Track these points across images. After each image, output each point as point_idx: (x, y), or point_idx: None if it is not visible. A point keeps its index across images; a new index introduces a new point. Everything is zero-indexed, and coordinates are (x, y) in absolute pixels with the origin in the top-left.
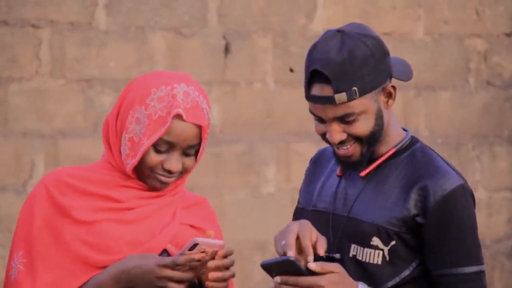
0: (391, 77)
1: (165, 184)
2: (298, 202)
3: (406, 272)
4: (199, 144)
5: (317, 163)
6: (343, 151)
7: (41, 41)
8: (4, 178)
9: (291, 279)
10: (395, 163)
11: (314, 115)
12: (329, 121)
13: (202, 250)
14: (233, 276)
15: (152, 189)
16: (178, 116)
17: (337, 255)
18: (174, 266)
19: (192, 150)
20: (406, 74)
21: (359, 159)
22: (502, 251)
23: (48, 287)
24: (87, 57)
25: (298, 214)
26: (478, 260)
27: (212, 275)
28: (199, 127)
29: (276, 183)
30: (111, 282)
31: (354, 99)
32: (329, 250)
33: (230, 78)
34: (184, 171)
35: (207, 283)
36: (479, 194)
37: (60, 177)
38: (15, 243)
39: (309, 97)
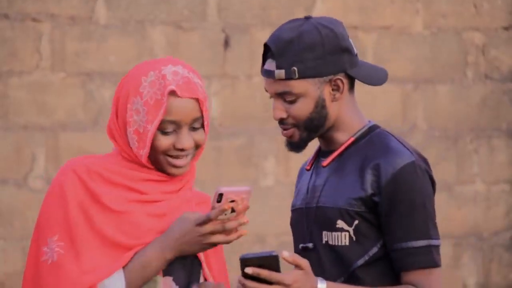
0: (345, 72)
1: (181, 167)
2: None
3: (374, 250)
4: (202, 117)
5: (300, 174)
6: (284, 132)
7: (42, 35)
8: (5, 171)
9: (265, 272)
10: (354, 150)
11: (266, 90)
12: (273, 97)
13: (231, 200)
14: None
15: (172, 178)
16: (173, 94)
17: (310, 245)
18: (209, 221)
19: (198, 123)
20: (373, 79)
21: (298, 142)
22: (500, 244)
23: (95, 268)
24: (87, 51)
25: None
26: (428, 235)
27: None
28: (196, 100)
29: (275, 176)
30: (158, 255)
31: (292, 78)
32: (304, 241)
33: (229, 72)
34: (197, 146)
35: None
36: (477, 187)
37: (88, 164)
38: (47, 228)
39: (261, 70)
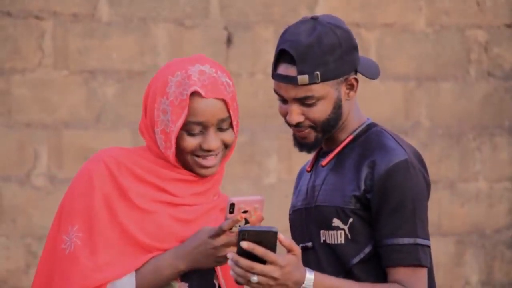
0: (356, 70)
1: (210, 168)
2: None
3: (369, 248)
4: (230, 117)
5: (299, 175)
6: (299, 133)
7: (44, 32)
8: (8, 168)
9: (260, 249)
10: (352, 148)
11: (278, 94)
12: (290, 102)
13: (243, 210)
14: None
15: (201, 178)
16: (197, 94)
17: (309, 244)
18: (222, 233)
19: (225, 124)
20: (373, 73)
21: (313, 143)
22: (502, 241)
23: (109, 266)
24: (90, 48)
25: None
26: (415, 233)
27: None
28: (223, 101)
29: (278, 174)
30: (171, 264)
31: (316, 83)
32: (303, 241)
33: (232, 69)
34: (227, 146)
35: None
36: (480, 185)
37: (118, 157)
38: (69, 216)
39: (274, 75)
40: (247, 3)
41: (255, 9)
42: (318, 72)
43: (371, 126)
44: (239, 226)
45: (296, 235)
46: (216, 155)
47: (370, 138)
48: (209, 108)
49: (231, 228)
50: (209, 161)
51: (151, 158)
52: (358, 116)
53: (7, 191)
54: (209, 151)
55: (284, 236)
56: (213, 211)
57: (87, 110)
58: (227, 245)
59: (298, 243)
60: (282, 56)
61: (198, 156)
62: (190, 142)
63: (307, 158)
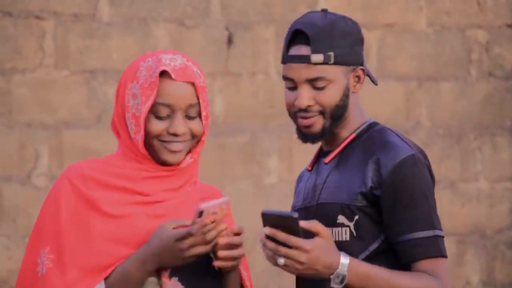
0: (362, 65)
1: (175, 153)
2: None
3: (375, 245)
4: (199, 104)
5: (299, 178)
6: (305, 120)
7: (45, 32)
8: (9, 169)
9: (282, 235)
10: (354, 146)
11: (287, 79)
12: (300, 84)
13: (212, 212)
14: (242, 254)
15: (174, 173)
16: (167, 76)
17: None
18: (190, 236)
19: (193, 111)
20: (374, 78)
21: (319, 132)
22: (503, 241)
23: (76, 281)
24: (90, 48)
25: None
26: (432, 225)
27: (222, 253)
28: (193, 85)
29: (279, 174)
30: (137, 267)
31: (329, 63)
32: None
33: (232, 69)
34: (194, 136)
35: (215, 262)
36: (481, 185)
37: (83, 171)
38: (40, 239)
39: (286, 58)
40: (247, 3)
41: (256, 9)
42: (331, 53)
43: (373, 125)
44: (207, 229)
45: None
46: (183, 142)
47: (373, 136)
48: (178, 91)
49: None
50: (175, 146)
51: (120, 163)
52: (360, 115)
53: (8, 191)
54: (175, 135)
55: (307, 221)
56: (190, 201)
57: (87, 110)
58: (194, 246)
59: None
60: (295, 37)
61: (164, 141)
62: (157, 126)
63: (308, 158)
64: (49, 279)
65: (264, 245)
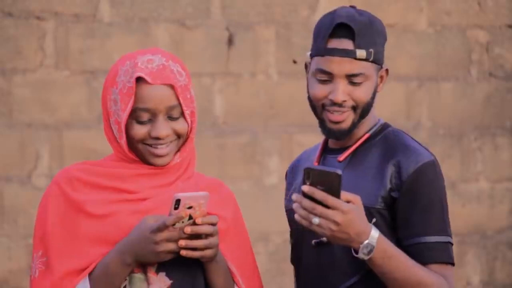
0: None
1: (161, 157)
2: (285, 206)
3: None
4: (180, 105)
5: (294, 169)
6: (337, 115)
7: (46, 33)
8: (9, 169)
9: (321, 193)
10: (370, 146)
11: (323, 72)
12: (338, 79)
13: (188, 206)
14: (207, 245)
15: (165, 170)
16: (143, 80)
17: (324, 239)
18: (165, 228)
19: (175, 112)
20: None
21: (348, 128)
22: (504, 242)
23: (62, 279)
24: (91, 48)
25: (287, 216)
26: (445, 232)
27: (181, 242)
28: (171, 87)
29: (279, 174)
30: (118, 259)
31: (368, 60)
32: (316, 236)
33: (233, 70)
34: (179, 135)
35: (181, 251)
36: (481, 185)
37: (71, 173)
38: (35, 243)
39: (326, 50)
40: (248, 3)
41: (256, 9)
42: (372, 50)
43: (385, 126)
44: (183, 222)
45: (305, 231)
46: (168, 144)
47: (390, 138)
48: (156, 94)
49: (174, 224)
50: (160, 150)
51: (111, 164)
52: (373, 115)
53: (8, 192)
54: (157, 138)
55: (345, 192)
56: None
57: (88, 111)
58: (168, 240)
59: (309, 239)
60: (337, 30)
61: (149, 145)
62: (139, 131)
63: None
64: (40, 281)
65: (300, 203)
